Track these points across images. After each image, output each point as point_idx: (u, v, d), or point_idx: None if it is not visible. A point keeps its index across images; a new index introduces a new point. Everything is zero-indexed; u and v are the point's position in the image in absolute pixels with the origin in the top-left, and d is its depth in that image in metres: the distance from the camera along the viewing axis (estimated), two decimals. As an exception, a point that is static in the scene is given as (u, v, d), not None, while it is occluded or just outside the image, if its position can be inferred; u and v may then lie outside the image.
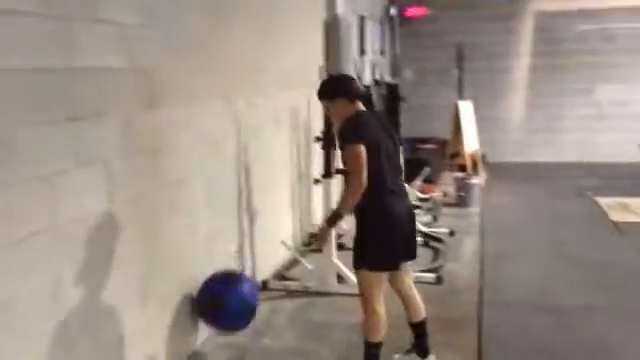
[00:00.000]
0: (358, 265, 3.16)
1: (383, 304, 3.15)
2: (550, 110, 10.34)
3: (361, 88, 3.45)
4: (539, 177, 9.02)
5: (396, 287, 3.34)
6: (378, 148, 3.03)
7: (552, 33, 10.17)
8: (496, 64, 10.41)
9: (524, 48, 10.36)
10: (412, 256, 3.28)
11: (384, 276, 3.17)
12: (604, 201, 7.19)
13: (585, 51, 10.06)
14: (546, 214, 6.89)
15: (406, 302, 3.37)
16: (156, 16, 3.23)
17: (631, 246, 5.52)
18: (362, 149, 2.96)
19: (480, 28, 10.30)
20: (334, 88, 3.27)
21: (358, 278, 3.22)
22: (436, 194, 7.22)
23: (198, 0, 3.70)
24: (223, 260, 3.99)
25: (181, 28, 3.49)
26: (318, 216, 5.54)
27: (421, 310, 3.37)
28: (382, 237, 3.07)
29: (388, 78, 9.03)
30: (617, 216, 6.52)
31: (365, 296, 3.15)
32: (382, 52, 9.36)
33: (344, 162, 3.08)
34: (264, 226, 4.67)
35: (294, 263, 5.05)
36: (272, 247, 4.87)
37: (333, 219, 3.13)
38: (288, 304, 4.36)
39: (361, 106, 3.21)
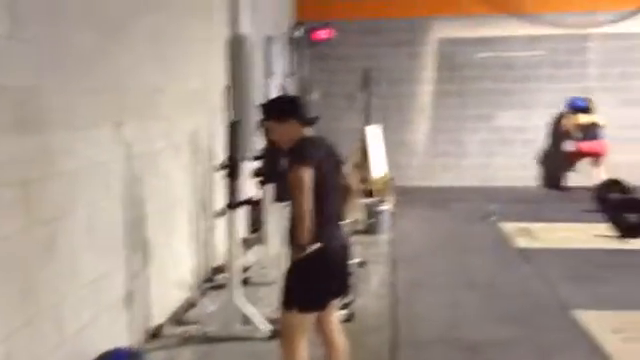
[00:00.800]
0: (287, 305, 2.85)
1: (306, 349, 2.89)
2: (453, 135, 10.53)
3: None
4: (444, 201, 9.09)
5: (321, 329, 3.06)
6: (324, 175, 2.84)
7: (454, 60, 10.40)
8: (402, 89, 10.51)
9: (428, 74, 10.52)
10: (343, 293, 3.06)
11: (312, 317, 2.91)
12: (507, 226, 7.29)
13: (486, 78, 10.36)
14: (453, 240, 6.87)
15: (329, 348, 3.09)
16: (29, 28, 2.77)
17: (537, 275, 5.55)
18: (310, 173, 2.76)
19: (386, 53, 10.37)
20: (286, 109, 3.04)
21: (283, 319, 2.92)
22: (348, 221, 7.01)
23: (83, 15, 3.26)
24: (109, 310, 3.51)
25: (62, 44, 3.04)
26: (221, 250, 5.14)
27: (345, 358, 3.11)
28: (318, 273, 2.83)
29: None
30: (522, 242, 6.60)
31: (288, 340, 2.87)
32: (290, 74, 9.14)
33: (290, 186, 2.82)
34: (159, 264, 4.22)
35: (193, 304, 4.62)
36: (168, 287, 4.41)
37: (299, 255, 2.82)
38: (186, 353, 3.92)
39: (308, 130, 3.03)
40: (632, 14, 9.91)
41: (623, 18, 9.96)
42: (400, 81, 10.46)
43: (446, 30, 10.35)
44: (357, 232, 6.93)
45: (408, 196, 9.32)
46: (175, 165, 4.63)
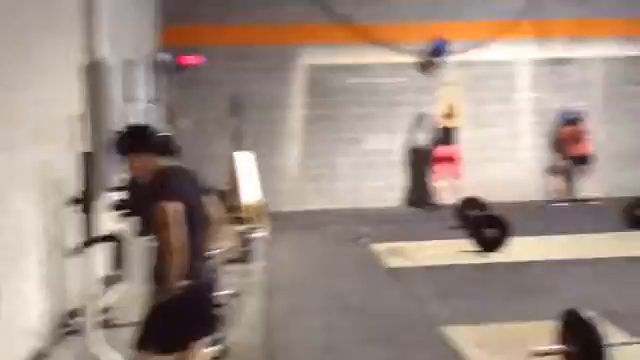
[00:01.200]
0: (146, 345, 2.63)
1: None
2: (325, 159, 10.70)
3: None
4: (318, 225, 9.15)
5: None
6: (191, 208, 2.70)
7: (324, 85, 10.61)
8: (274, 114, 10.53)
9: (298, 99, 10.65)
10: (211, 331, 2.89)
11: (172, 358, 2.73)
12: (378, 247, 7.46)
13: (354, 103, 10.66)
14: (327, 264, 6.91)
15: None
16: None
17: (407, 293, 5.69)
18: (177, 207, 2.61)
19: (256, 79, 10.36)
20: (137, 141, 2.88)
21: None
22: (218, 250, 6.80)
23: None
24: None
25: None
26: (75, 291, 4.72)
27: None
28: (184, 312, 2.67)
29: (161, 127, 8.47)
30: (392, 262, 6.76)
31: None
32: (155, 100, 8.81)
33: (156, 222, 2.63)
34: (5, 313, 3.78)
35: (45, 355, 4.18)
36: (14, 338, 3.96)
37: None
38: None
39: (167, 160, 2.89)
40: (481, 43, 10.69)
41: (475, 47, 10.72)
42: (271, 106, 10.48)
43: (315, 57, 10.56)
44: (230, 261, 6.74)
45: (283, 221, 9.28)
46: (23, 200, 4.21)
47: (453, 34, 10.60)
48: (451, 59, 10.71)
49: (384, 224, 9.04)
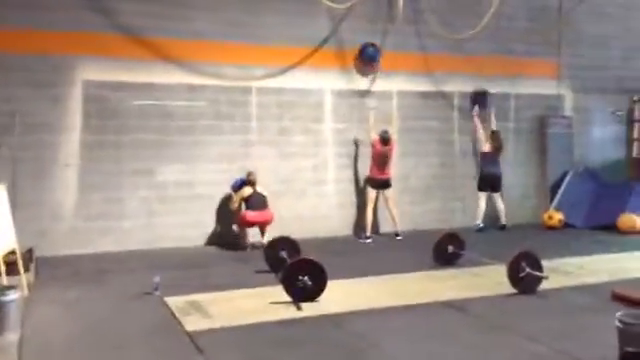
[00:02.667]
0: None
1: None
2: (110, 193, 9.04)
3: None
4: (101, 274, 7.51)
5: None
6: None
7: (107, 106, 9.02)
8: (42, 138, 8.65)
9: (75, 121, 8.88)
10: None
11: None
12: (175, 301, 6.13)
13: (145, 128, 9.22)
14: (107, 331, 5.37)
15: None
16: None
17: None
18: None
19: (21, 95, 8.45)
20: None
21: None
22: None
23: None
24: None
25: None
26: None
27: None
28: None
29: None
30: (192, 323, 5.49)
31: None
32: None
33: None
34: None
35: None
36: None
37: None
38: None
39: None
40: (285, 70, 10.03)
41: (280, 73, 10.01)
42: (40, 128, 8.61)
43: (95, 72, 8.93)
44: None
45: (54, 270, 7.51)
46: None
47: (256, 58, 9.80)
48: (256, 85, 9.88)
49: (184, 270, 7.72)
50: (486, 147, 10.91)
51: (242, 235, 9.25)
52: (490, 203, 10.91)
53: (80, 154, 8.90)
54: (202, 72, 9.50)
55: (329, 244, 9.42)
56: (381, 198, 10.21)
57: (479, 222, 10.73)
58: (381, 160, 9.99)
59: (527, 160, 11.96)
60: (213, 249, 9.35)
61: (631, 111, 12.96)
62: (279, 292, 6.08)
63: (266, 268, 7.35)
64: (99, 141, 8.97)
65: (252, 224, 9.15)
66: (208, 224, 9.61)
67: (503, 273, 6.50)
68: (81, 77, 8.87)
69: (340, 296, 6.27)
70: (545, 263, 6.69)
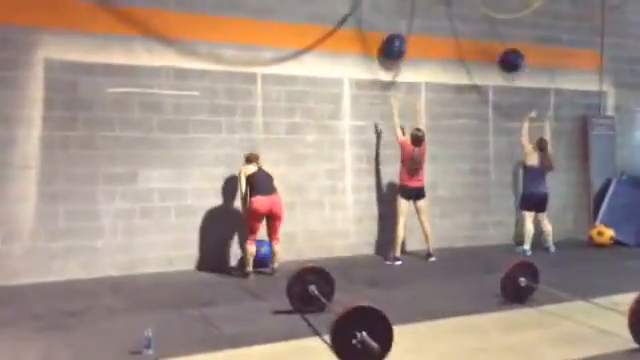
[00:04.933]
0: None
1: None
2: (78, 204, 7.10)
3: None
4: (67, 316, 5.57)
5: None
6: None
7: (74, 94, 7.09)
8: (-10, 134, 6.68)
9: (34, 113, 6.92)
10: None
11: None
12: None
13: (123, 123, 7.32)
14: None
15: None
16: None
17: None
18: None
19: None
20: None
21: None
22: None
23: None
24: None
25: None
26: None
27: None
28: None
29: None
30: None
31: None
32: None
33: None
34: None
35: None
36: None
37: None
38: None
39: None
40: (297, 54, 8.23)
41: (291, 58, 8.21)
42: (-14, 121, 6.65)
43: (60, 50, 6.99)
44: None
45: (2, 312, 5.56)
46: None
47: (262, 37, 7.99)
48: (264, 71, 8.05)
49: (177, 308, 5.79)
50: (533, 159, 9.09)
51: (247, 253, 7.31)
52: (535, 223, 9.22)
53: (41, 155, 6.93)
54: (195, 53, 7.63)
55: (352, 268, 7.63)
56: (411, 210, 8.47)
57: (527, 247, 9.01)
58: (413, 164, 8.24)
59: (568, 166, 10.36)
60: (207, 275, 7.44)
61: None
62: (319, 348, 4.29)
63: (285, 304, 5.55)
64: (65, 138, 7.02)
65: (263, 214, 7.16)
66: (201, 243, 7.73)
67: (599, 315, 5.30)
68: (42, 56, 6.91)
69: (410, 357, 4.49)
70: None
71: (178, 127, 7.58)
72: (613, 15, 10.51)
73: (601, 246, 9.49)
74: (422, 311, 5.66)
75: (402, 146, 8.27)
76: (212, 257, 7.74)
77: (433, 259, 8.37)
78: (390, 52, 8.74)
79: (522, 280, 6.09)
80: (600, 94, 10.70)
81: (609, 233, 9.51)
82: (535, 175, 9.05)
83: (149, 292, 6.52)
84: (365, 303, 4.39)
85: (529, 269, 6.18)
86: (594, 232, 9.68)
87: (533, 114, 9.28)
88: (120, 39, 7.24)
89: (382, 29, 8.73)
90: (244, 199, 7.23)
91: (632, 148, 11.10)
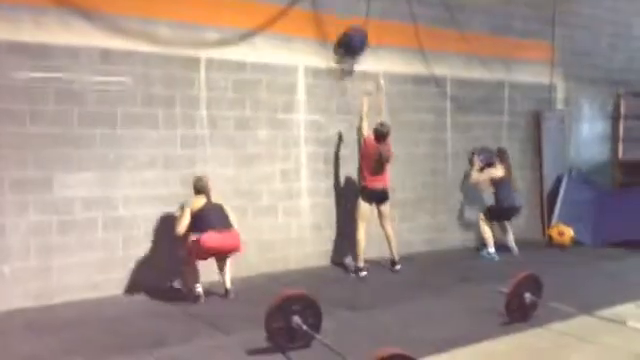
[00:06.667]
0: None
1: None
2: (-24, 219, 5.57)
3: None
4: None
5: None
6: None
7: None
8: None
9: None
10: None
11: None
12: None
13: (36, 116, 5.82)
14: None
15: None
16: None
17: None
18: None
19: None
20: None
21: None
22: None
23: None
24: None
25: None
26: None
27: None
28: None
29: None
30: None
31: None
32: None
33: None
34: None
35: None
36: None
37: None
38: None
39: None
40: (246, 36, 7.06)
41: (240, 40, 7.01)
42: None
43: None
44: None
45: None
46: None
47: (206, 14, 6.75)
48: (206, 55, 6.80)
49: (117, 353, 4.54)
50: (497, 171, 8.46)
51: (189, 274, 6.12)
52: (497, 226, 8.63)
53: None
54: (125, 31, 6.26)
55: (316, 284, 6.58)
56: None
57: (492, 250, 8.35)
58: (376, 163, 7.29)
59: (523, 162, 9.88)
60: (146, 301, 6.13)
61: (617, 106, 11.39)
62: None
63: (255, 337, 4.46)
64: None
65: (214, 252, 6.02)
66: (135, 262, 6.39)
67: (616, 332, 4.91)
68: None
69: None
70: None
71: (104, 121, 6.18)
72: (564, 6, 10.13)
73: (561, 246, 9.06)
74: (427, 340, 4.74)
75: (365, 143, 7.33)
76: (149, 278, 6.41)
77: (398, 267, 7.52)
78: (350, 48, 7.76)
79: (527, 296, 5.34)
80: (551, 87, 10.32)
81: (570, 233, 9.10)
82: (503, 185, 8.44)
83: (75, 328, 5.14)
84: (397, 350, 3.39)
85: (534, 283, 5.43)
86: (554, 231, 9.25)
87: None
88: (30, 10, 5.74)
89: (340, 11, 7.72)
90: (184, 238, 6.02)
91: (579, 143, 10.84)
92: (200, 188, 6.09)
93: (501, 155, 8.58)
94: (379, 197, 7.42)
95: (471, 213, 9.08)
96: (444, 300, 6.12)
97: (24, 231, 5.75)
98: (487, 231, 8.44)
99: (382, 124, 7.32)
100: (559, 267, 7.63)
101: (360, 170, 7.42)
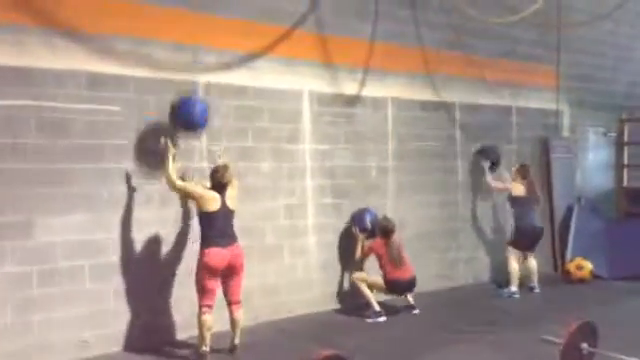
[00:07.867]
0: None
1: None
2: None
3: None
4: None
5: None
6: None
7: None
8: None
9: None
10: None
11: None
12: None
13: (15, 150, 5.06)
14: None
15: None
16: None
17: None
18: None
19: None
20: None
21: None
22: None
23: None
24: None
25: None
26: None
27: None
28: None
29: None
30: None
31: None
32: None
33: None
34: None
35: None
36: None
37: None
38: None
39: None
40: (248, 60, 6.43)
41: (241, 63, 6.38)
42: None
43: None
44: None
45: None
46: None
47: (204, 35, 6.12)
48: (205, 79, 6.13)
49: None
50: (518, 189, 7.91)
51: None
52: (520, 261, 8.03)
53: None
54: (115, 53, 5.56)
55: (332, 334, 5.87)
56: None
57: (514, 289, 7.76)
58: (394, 255, 6.76)
59: (533, 192, 9.38)
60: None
61: (621, 132, 11.04)
62: None
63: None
64: None
65: (218, 270, 5.21)
66: (130, 314, 5.60)
67: None
68: None
69: None
70: None
71: (92, 155, 5.42)
72: (568, 29, 9.78)
73: (581, 281, 8.51)
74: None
75: (373, 249, 6.87)
76: (147, 332, 5.62)
77: (417, 312, 6.88)
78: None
79: (584, 347, 4.71)
80: (557, 113, 9.91)
81: (588, 266, 8.56)
82: (523, 206, 7.88)
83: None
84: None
85: (590, 331, 4.81)
86: (572, 266, 8.69)
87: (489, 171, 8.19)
88: (10, 30, 5.02)
89: (344, 32, 7.18)
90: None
91: (585, 170, 10.42)
92: (220, 176, 5.35)
93: (523, 172, 8.01)
94: (408, 287, 6.88)
95: (484, 245, 8.53)
96: (477, 348, 5.46)
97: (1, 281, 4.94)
98: (514, 268, 7.81)
99: (386, 219, 6.89)
100: (593, 306, 7.04)
101: (380, 266, 6.84)
